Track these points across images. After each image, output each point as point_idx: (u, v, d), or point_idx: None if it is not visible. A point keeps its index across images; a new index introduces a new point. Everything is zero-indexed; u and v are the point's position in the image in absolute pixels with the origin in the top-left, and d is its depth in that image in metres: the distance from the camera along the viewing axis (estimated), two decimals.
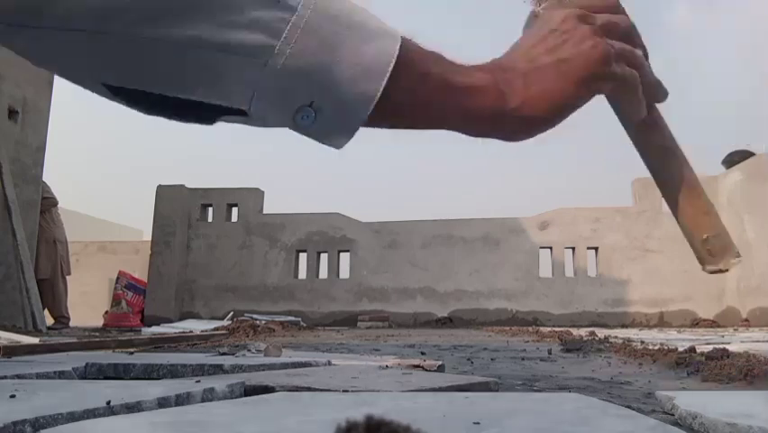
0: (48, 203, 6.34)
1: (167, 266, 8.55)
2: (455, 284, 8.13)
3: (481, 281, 8.04)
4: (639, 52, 0.63)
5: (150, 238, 8.98)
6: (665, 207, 8.40)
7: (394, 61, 0.51)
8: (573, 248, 8.14)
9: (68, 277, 6.74)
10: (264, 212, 8.78)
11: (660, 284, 7.70)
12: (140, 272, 8.90)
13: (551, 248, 8.15)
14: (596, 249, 8.09)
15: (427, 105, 0.56)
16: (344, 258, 8.62)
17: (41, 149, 5.69)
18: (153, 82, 0.49)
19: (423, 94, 0.55)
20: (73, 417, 0.50)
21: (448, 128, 0.58)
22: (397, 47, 0.51)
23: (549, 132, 0.61)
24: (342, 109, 0.52)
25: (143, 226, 9.30)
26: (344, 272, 8.63)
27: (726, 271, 0.70)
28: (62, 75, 0.53)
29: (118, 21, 0.46)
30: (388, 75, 0.51)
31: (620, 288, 7.88)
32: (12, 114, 5.19)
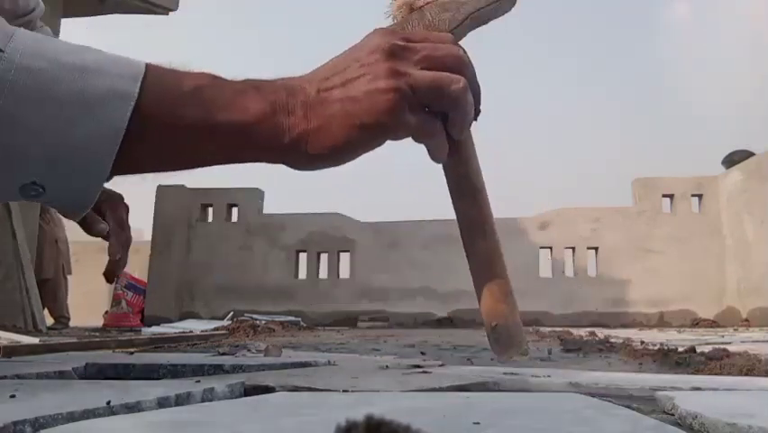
0: None
1: (167, 266, 8.55)
2: (455, 284, 8.12)
3: None
4: (455, 89, 0.55)
5: (150, 238, 8.98)
6: (665, 207, 8.40)
7: (122, 135, 0.45)
8: (573, 248, 8.14)
9: (68, 277, 6.75)
10: (264, 212, 8.78)
11: (660, 284, 7.70)
12: (140, 272, 8.90)
13: (551, 248, 8.15)
14: (596, 249, 8.09)
15: (183, 154, 0.50)
16: (344, 258, 8.62)
17: None
18: None
19: (174, 145, 0.49)
20: (73, 417, 0.50)
21: (218, 164, 0.53)
22: (128, 113, 0.45)
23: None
24: (68, 188, 0.46)
25: (143, 226, 9.29)
26: (344, 272, 8.63)
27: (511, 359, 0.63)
28: None
29: None
30: (114, 154, 0.45)
31: (620, 288, 7.88)
32: None
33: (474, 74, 0.58)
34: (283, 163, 0.54)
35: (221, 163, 0.53)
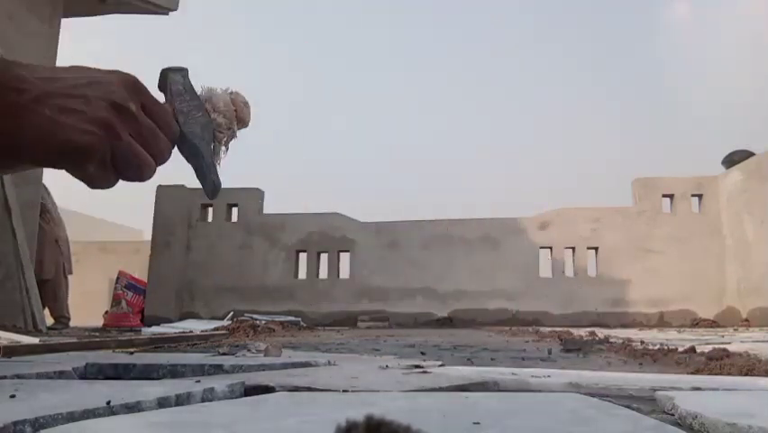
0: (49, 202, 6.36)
1: (167, 266, 8.55)
2: (455, 284, 8.13)
3: (481, 281, 8.04)
4: (145, 174, 0.64)
5: (150, 238, 8.98)
6: (665, 207, 8.38)
7: None
8: (573, 248, 8.14)
9: (68, 277, 6.76)
10: (264, 212, 8.78)
11: (660, 284, 7.70)
12: (140, 272, 8.90)
13: (551, 248, 8.15)
14: (596, 249, 8.09)
15: None
16: (344, 258, 8.62)
17: None
18: None
19: None
20: (73, 417, 0.50)
21: None
22: None
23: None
24: None
25: (143, 226, 9.30)
26: (344, 272, 8.62)
27: None
28: None
29: None
30: None
31: (620, 288, 7.88)
32: None
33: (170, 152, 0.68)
34: None
35: None
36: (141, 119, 0.63)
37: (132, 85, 0.64)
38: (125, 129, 0.61)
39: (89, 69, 0.63)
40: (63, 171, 0.65)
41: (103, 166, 0.61)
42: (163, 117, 0.67)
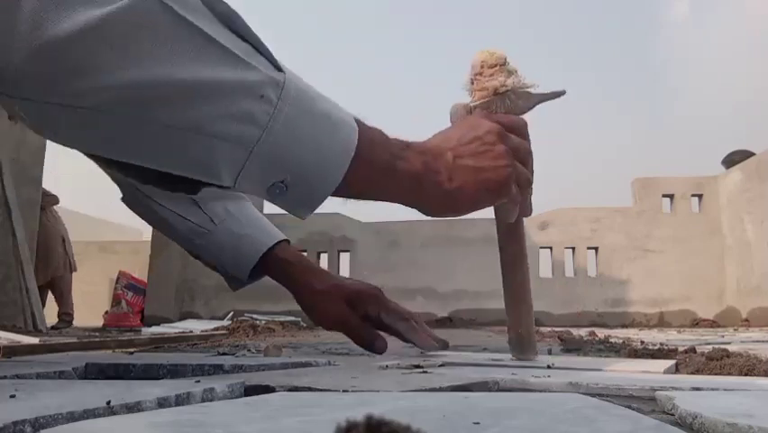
0: (50, 200, 6.40)
1: (167, 266, 8.54)
2: (455, 284, 8.13)
3: (481, 281, 8.04)
4: (529, 177, 0.80)
5: (150, 238, 8.98)
6: (665, 208, 8.41)
7: (353, 153, 0.60)
8: (573, 248, 8.14)
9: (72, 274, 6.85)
10: (264, 212, 8.78)
11: (660, 284, 7.70)
12: (140, 272, 8.90)
13: (551, 248, 8.15)
14: (596, 249, 8.09)
15: (376, 187, 0.67)
16: (344, 258, 8.62)
17: (42, 149, 5.69)
18: (147, 158, 0.55)
19: (374, 178, 0.65)
20: (73, 417, 0.50)
21: (386, 201, 0.70)
22: (356, 137, 0.61)
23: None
24: (309, 189, 0.60)
25: (143, 226, 9.28)
26: (344, 272, 8.62)
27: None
28: (55, 141, 0.57)
29: (126, 104, 0.50)
30: (347, 163, 0.60)
31: (620, 288, 7.88)
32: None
33: (532, 163, 0.82)
34: (425, 209, 0.73)
35: (386, 199, 0.70)
36: (511, 135, 0.77)
37: (484, 114, 0.83)
38: (516, 158, 0.76)
39: (460, 125, 0.77)
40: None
41: (513, 194, 0.76)
42: (511, 118, 0.84)
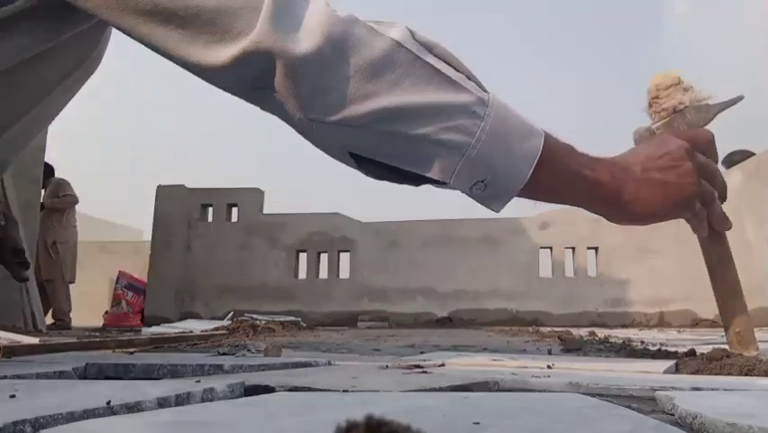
0: (70, 200, 6.43)
1: (167, 266, 8.54)
2: (455, 284, 8.12)
3: (481, 281, 8.04)
4: (715, 195, 0.86)
5: (150, 238, 8.98)
6: None
7: (539, 156, 0.71)
8: (573, 248, 8.14)
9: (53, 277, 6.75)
10: (264, 212, 8.78)
11: (660, 284, 7.70)
12: (140, 272, 8.90)
13: (551, 248, 8.15)
14: (596, 249, 8.09)
15: (560, 189, 0.77)
16: (344, 258, 8.62)
17: (42, 148, 5.69)
18: (392, 159, 0.72)
19: (558, 181, 0.75)
20: (73, 417, 0.50)
21: (574, 205, 0.78)
22: (542, 143, 0.71)
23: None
24: (503, 186, 0.72)
25: (143, 226, 9.29)
26: (344, 272, 8.62)
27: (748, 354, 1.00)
28: (318, 146, 0.74)
29: (382, 122, 0.68)
30: (534, 165, 0.71)
31: (620, 288, 7.88)
32: None
33: (720, 175, 0.88)
34: (608, 217, 0.82)
35: (572, 202, 0.79)
36: (706, 161, 0.84)
37: (673, 133, 0.87)
38: (702, 175, 0.83)
39: (650, 143, 0.84)
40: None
41: (697, 210, 0.84)
42: (695, 132, 0.92)
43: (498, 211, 0.76)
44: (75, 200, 6.67)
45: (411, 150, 0.70)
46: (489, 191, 0.72)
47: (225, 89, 0.72)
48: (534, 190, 0.74)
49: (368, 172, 0.76)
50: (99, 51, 1.03)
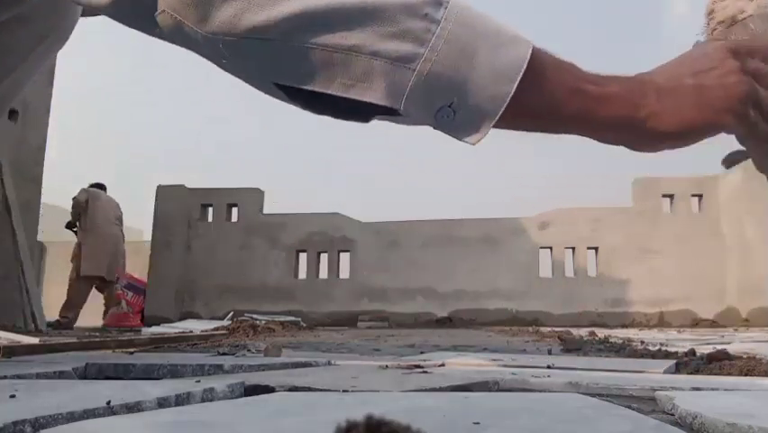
0: (73, 203, 6.80)
1: (167, 266, 8.55)
2: (455, 284, 8.13)
3: (481, 281, 8.04)
4: None
5: (150, 238, 8.98)
6: (665, 207, 8.37)
7: (525, 66, 0.56)
8: (573, 248, 8.14)
9: (69, 277, 7.09)
10: (264, 212, 8.78)
11: (660, 284, 7.70)
12: (140, 272, 8.90)
13: (551, 248, 8.15)
14: (596, 249, 8.09)
15: (557, 110, 0.59)
16: (344, 258, 8.62)
17: (42, 148, 5.70)
18: (321, 84, 0.57)
19: (554, 98, 0.59)
20: (73, 417, 0.50)
21: (577, 133, 0.61)
22: (529, 52, 0.56)
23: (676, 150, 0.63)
24: (478, 110, 0.57)
25: (143, 226, 9.29)
26: (344, 272, 8.62)
27: None
28: (240, 77, 0.62)
29: (296, 32, 0.55)
30: (518, 79, 0.55)
31: (620, 288, 7.88)
32: (12, 113, 5.20)
33: None
34: (629, 143, 0.62)
35: (580, 130, 0.61)
36: (755, 47, 0.64)
37: (715, 40, 0.70)
38: (754, 64, 0.62)
39: (681, 55, 0.65)
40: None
41: (752, 118, 0.62)
42: (757, 41, 0.70)
43: (474, 144, 0.60)
44: (75, 204, 6.85)
45: (343, 69, 0.55)
46: (461, 119, 0.57)
47: (126, 25, 0.64)
48: (520, 116, 0.59)
49: (304, 106, 0.63)
50: (70, 21, 1.07)
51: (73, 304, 6.75)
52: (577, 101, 0.59)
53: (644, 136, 0.61)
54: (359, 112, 0.59)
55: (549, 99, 0.59)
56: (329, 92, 0.57)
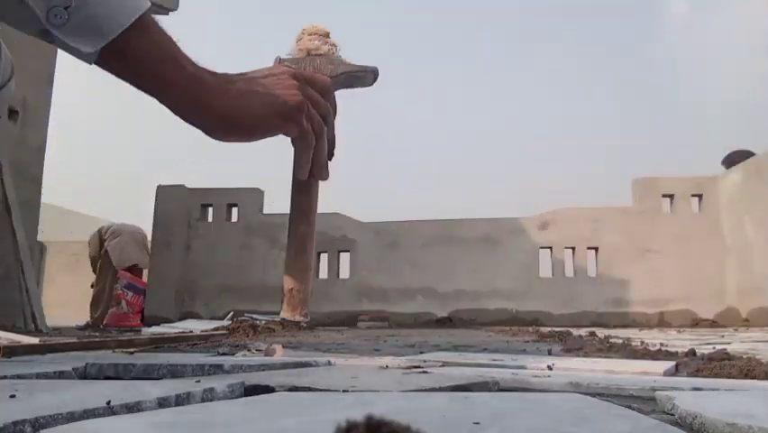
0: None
1: (167, 266, 8.55)
2: (455, 284, 8.12)
3: (481, 281, 8.04)
4: (323, 124, 0.81)
5: (150, 238, 8.98)
6: (665, 207, 8.36)
7: (143, 12, 0.63)
8: (573, 248, 8.14)
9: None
10: (264, 212, 8.78)
11: (660, 284, 7.69)
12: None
13: (551, 248, 8.15)
14: (596, 249, 8.09)
15: (157, 68, 0.67)
16: (344, 258, 8.62)
17: (42, 148, 5.69)
18: None
19: (158, 54, 0.66)
20: (73, 417, 0.50)
21: (164, 100, 0.69)
22: (147, 6, 0.63)
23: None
24: (93, 23, 0.60)
25: (143, 226, 9.28)
26: (344, 272, 8.62)
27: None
28: None
29: None
30: (134, 18, 0.62)
31: (620, 288, 7.87)
32: (12, 113, 5.20)
33: (333, 125, 0.84)
34: (203, 127, 0.72)
35: (165, 92, 0.69)
36: (309, 86, 0.80)
37: (283, 65, 0.85)
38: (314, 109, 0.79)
39: (254, 70, 0.79)
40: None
41: (305, 127, 0.78)
42: (316, 75, 0.86)
43: (89, 62, 0.65)
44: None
45: None
46: (73, 24, 0.60)
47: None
48: (125, 57, 0.64)
49: None
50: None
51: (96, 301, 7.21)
52: (176, 70, 0.67)
53: (219, 124, 0.72)
54: None
55: (154, 53, 0.65)
56: None
